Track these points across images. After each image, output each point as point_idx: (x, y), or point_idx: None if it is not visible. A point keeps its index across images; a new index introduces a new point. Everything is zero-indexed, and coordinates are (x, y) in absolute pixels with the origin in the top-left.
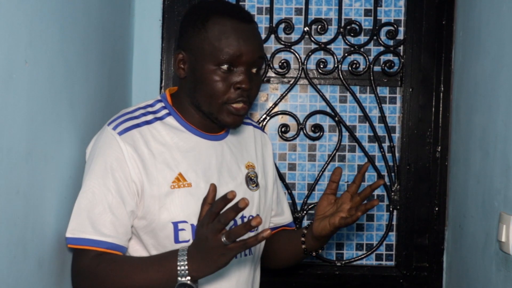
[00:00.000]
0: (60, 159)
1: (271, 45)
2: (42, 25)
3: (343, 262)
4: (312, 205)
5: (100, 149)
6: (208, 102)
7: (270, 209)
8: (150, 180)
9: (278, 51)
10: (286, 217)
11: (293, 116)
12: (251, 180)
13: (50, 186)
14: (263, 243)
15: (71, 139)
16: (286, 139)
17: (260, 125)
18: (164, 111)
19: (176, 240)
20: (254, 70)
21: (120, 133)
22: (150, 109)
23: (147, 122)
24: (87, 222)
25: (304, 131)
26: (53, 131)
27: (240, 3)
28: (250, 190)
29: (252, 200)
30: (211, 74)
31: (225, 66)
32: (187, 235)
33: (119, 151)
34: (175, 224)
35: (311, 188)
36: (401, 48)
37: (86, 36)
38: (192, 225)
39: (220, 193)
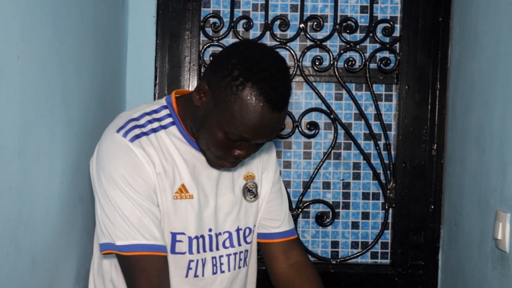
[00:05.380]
0: (53, 156)
1: (266, 42)
2: (34, 19)
3: (338, 260)
4: (307, 203)
5: (114, 158)
6: (205, 148)
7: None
8: (158, 187)
9: (273, 48)
10: (283, 224)
11: (288, 114)
12: (249, 191)
13: (43, 183)
14: (254, 251)
15: (64, 136)
16: (281, 137)
17: None
18: (168, 120)
19: (173, 251)
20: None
21: (132, 140)
22: (155, 116)
23: (154, 130)
24: (133, 229)
25: (300, 128)
26: (46, 127)
27: None
28: (247, 201)
29: (250, 211)
30: (217, 136)
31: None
32: (183, 247)
33: (135, 156)
34: (174, 235)
35: (306, 186)
36: (397, 45)
37: (80, 32)
38: (189, 237)
39: (217, 205)
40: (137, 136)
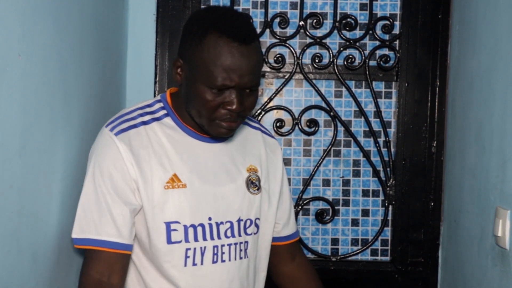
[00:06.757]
0: (54, 153)
1: (266, 40)
2: (35, 18)
3: (338, 258)
4: (307, 200)
5: (99, 151)
6: (198, 115)
7: (274, 215)
8: (144, 180)
9: (273, 45)
10: (291, 227)
11: (288, 111)
12: (252, 184)
13: (44, 181)
14: (264, 247)
15: (65, 133)
16: (281, 134)
17: (255, 119)
18: (162, 112)
19: (169, 241)
20: (248, 90)
21: (117, 134)
22: (148, 110)
23: (144, 123)
24: (91, 223)
25: (299, 126)
26: (47, 125)
27: None
28: (250, 193)
29: (253, 203)
30: (203, 93)
31: (216, 89)
32: (179, 236)
33: (117, 151)
34: (168, 224)
35: (306, 183)
36: (397, 42)
37: (80, 30)
38: (184, 226)
39: (217, 194)
40: (124, 130)
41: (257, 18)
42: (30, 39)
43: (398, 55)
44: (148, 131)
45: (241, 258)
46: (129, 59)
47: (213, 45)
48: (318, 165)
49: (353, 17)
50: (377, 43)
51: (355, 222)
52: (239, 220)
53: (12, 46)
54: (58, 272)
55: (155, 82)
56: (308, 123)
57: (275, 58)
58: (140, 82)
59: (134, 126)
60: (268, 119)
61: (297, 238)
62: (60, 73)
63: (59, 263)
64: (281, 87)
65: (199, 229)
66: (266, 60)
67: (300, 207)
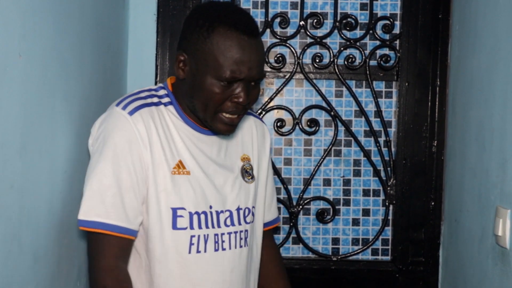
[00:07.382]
0: (54, 154)
1: (267, 40)
2: (36, 18)
3: (339, 257)
4: (308, 200)
5: (112, 131)
6: (203, 109)
7: (264, 202)
8: (154, 164)
9: (273, 45)
10: (272, 213)
11: (289, 111)
12: (247, 173)
13: (44, 181)
14: (259, 235)
15: (65, 133)
16: (282, 134)
17: None
18: (167, 99)
19: (174, 227)
20: (253, 83)
21: (131, 113)
22: (154, 93)
23: (154, 104)
24: (100, 205)
25: (300, 125)
26: (47, 125)
27: None
28: (246, 182)
29: (248, 192)
30: (211, 86)
31: (225, 81)
32: (184, 222)
33: (131, 132)
34: (174, 210)
35: (307, 183)
36: (397, 42)
37: (80, 30)
38: (190, 212)
39: (216, 184)
40: (137, 108)
41: (258, 18)
42: (30, 39)
43: (399, 54)
44: (158, 112)
45: (241, 246)
46: (130, 59)
47: (223, 38)
48: (318, 164)
49: (353, 17)
50: (378, 43)
51: (355, 222)
52: (238, 209)
53: (12, 46)
54: (59, 273)
55: (156, 82)
56: (308, 123)
57: (275, 58)
58: (140, 82)
59: (146, 105)
60: (269, 119)
61: (277, 224)
62: (61, 73)
63: (60, 264)
64: (281, 87)
65: (202, 216)
66: (267, 60)
67: (300, 206)
